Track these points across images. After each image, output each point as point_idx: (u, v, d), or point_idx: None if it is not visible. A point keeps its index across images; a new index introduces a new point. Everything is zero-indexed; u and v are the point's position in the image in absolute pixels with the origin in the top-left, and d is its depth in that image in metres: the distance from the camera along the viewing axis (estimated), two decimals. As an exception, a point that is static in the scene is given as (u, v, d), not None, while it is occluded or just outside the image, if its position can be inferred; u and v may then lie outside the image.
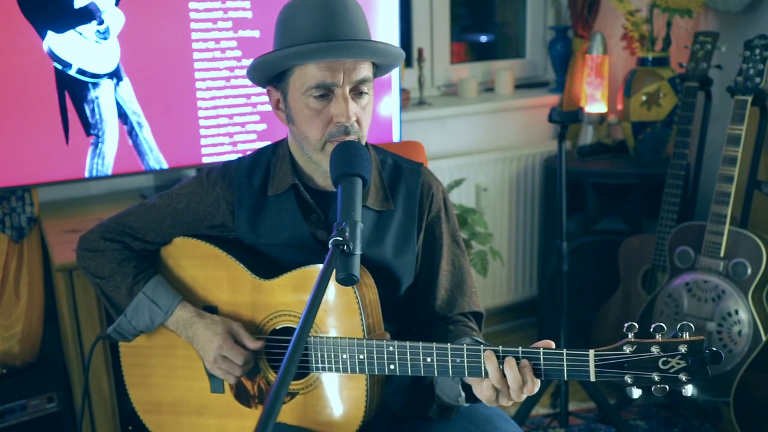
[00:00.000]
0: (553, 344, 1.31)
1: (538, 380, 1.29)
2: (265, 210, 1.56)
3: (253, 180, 1.57)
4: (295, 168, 1.55)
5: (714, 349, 1.20)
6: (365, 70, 1.43)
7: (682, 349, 1.21)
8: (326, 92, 1.41)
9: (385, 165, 1.60)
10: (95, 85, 2.34)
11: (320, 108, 1.42)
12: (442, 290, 1.60)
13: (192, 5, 2.41)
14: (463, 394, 1.41)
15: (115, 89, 2.37)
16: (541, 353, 1.28)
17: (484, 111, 3.39)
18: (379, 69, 1.50)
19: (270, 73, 1.47)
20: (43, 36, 2.23)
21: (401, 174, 1.59)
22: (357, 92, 1.43)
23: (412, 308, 1.63)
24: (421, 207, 1.58)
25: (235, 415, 1.58)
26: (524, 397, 1.31)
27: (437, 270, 1.60)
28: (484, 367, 1.31)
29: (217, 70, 2.49)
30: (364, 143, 1.46)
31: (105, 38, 2.32)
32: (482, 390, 1.34)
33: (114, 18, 2.32)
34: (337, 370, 1.43)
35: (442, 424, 1.55)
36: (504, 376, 1.30)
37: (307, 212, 1.54)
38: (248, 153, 1.64)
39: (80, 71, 2.31)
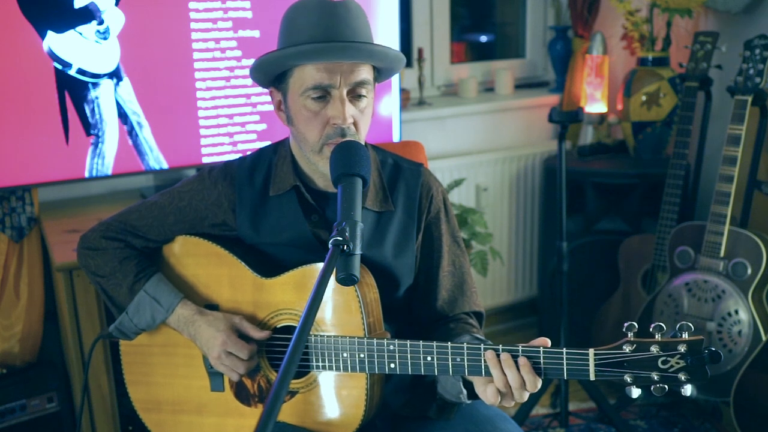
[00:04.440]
0: (549, 342, 1.31)
1: (539, 377, 1.29)
2: (266, 210, 1.56)
3: (254, 180, 1.57)
4: (297, 169, 1.56)
5: (713, 348, 1.20)
6: (364, 72, 1.43)
7: (682, 348, 1.21)
8: (323, 94, 1.42)
9: (385, 165, 1.60)
10: (95, 85, 2.34)
11: (317, 109, 1.42)
12: (443, 291, 1.61)
13: (192, 5, 2.41)
14: (464, 391, 1.41)
15: (115, 89, 2.37)
16: (541, 352, 1.28)
17: (484, 111, 3.39)
18: (380, 73, 1.51)
19: (271, 74, 1.47)
20: (43, 36, 2.24)
21: (401, 174, 1.60)
22: (355, 95, 1.44)
23: (413, 308, 1.64)
24: (420, 207, 1.59)
25: (234, 413, 1.58)
26: (527, 395, 1.31)
27: (438, 270, 1.60)
28: (485, 365, 1.32)
29: (217, 70, 2.49)
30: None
31: (105, 38, 2.32)
32: (487, 395, 1.34)
33: (114, 18, 2.32)
34: (338, 368, 1.43)
35: (442, 423, 1.55)
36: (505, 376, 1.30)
37: (308, 212, 1.54)
38: (249, 153, 1.64)
39: (80, 71, 2.31)
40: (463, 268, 1.63)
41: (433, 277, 1.60)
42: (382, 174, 1.58)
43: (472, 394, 1.41)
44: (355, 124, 1.44)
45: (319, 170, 1.49)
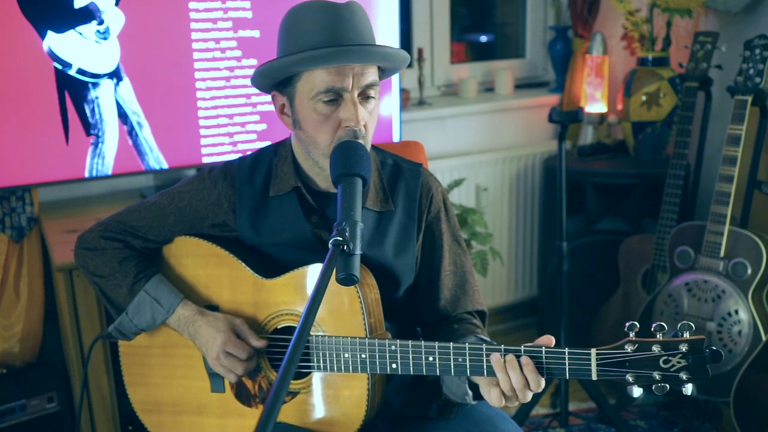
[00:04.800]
0: (553, 339, 1.31)
1: (542, 377, 1.29)
2: (266, 210, 1.56)
3: (254, 180, 1.57)
4: (298, 170, 1.56)
5: (714, 348, 1.20)
6: (372, 74, 1.44)
7: (683, 348, 1.21)
8: (335, 97, 1.42)
9: (385, 165, 1.60)
10: (95, 85, 2.34)
11: (329, 113, 1.42)
12: (445, 290, 1.61)
13: (192, 5, 2.41)
14: (470, 393, 1.42)
15: (115, 89, 2.37)
16: (544, 352, 1.28)
17: (484, 111, 3.39)
18: (383, 73, 1.51)
19: (276, 79, 1.47)
20: (43, 36, 2.23)
21: (401, 174, 1.60)
22: (365, 97, 1.44)
23: (415, 309, 1.64)
24: (420, 207, 1.59)
25: (235, 414, 1.58)
26: (530, 395, 1.31)
27: (439, 270, 1.60)
28: (488, 367, 1.32)
29: (217, 70, 2.49)
30: (368, 148, 1.46)
31: (105, 38, 2.32)
32: (491, 397, 1.34)
33: (114, 18, 2.32)
34: (339, 369, 1.43)
35: (442, 423, 1.55)
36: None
37: (309, 213, 1.54)
38: (249, 153, 1.64)
39: (80, 71, 2.31)
40: (465, 267, 1.63)
41: (435, 277, 1.60)
42: (382, 174, 1.58)
43: (477, 395, 1.41)
44: (364, 126, 1.44)
45: (324, 172, 1.49)
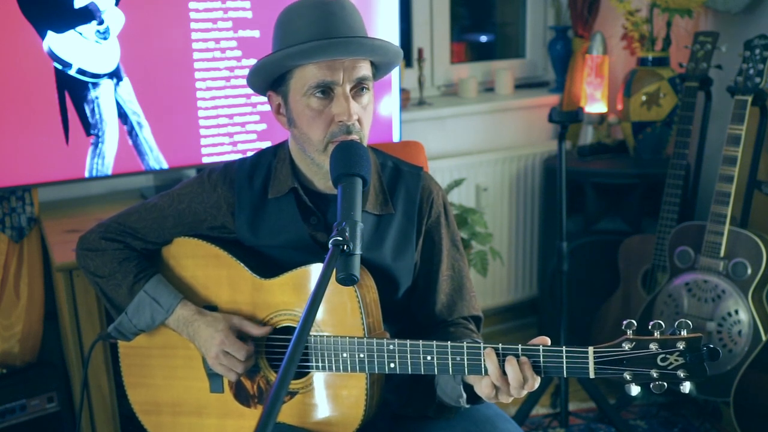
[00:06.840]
0: (548, 340, 1.31)
1: (538, 377, 1.29)
2: (265, 212, 1.56)
3: (253, 182, 1.57)
4: (295, 171, 1.55)
5: (711, 345, 1.20)
6: (364, 68, 1.43)
7: (680, 346, 1.21)
8: (327, 91, 1.41)
9: (385, 168, 1.60)
10: (95, 85, 2.34)
11: (321, 108, 1.42)
12: (442, 295, 1.60)
13: (192, 5, 2.41)
14: (464, 395, 1.41)
15: (115, 89, 2.37)
16: (541, 350, 1.28)
17: (484, 111, 3.39)
18: (378, 70, 1.50)
19: (270, 77, 1.47)
20: (43, 36, 2.24)
21: (401, 177, 1.59)
22: (357, 91, 1.44)
23: (412, 312, 1.63)
24: (420, 211, 1.58)
25: (234, 415, 1.58)
26: (524, 393, 1.31)
27: (437, 275, 1.60)
28: (484, 365, 1.32)
29: (217, 70, 2.49)
30: (365, 143, 1.46)
31: (105, 38, 2.32)
32: (482, 387, 1.34)
33: (114, 18, 2.32)
34: (338, 369, 1.43)
35: (442, 423, 1.55)
36: (504, 374, 1.30)
37: (307, 215, 1.54)
38: (249, 154, 1.64)
39: (80, 71, 2.31)
40: (462, 272, 1.63)
41: (433, 281, 1.60)
42: (382, 177, 1.58)
43: (471, 398, 1.41)
44: (359, 121, 1.43)
45: (322, 171, 1.48)
